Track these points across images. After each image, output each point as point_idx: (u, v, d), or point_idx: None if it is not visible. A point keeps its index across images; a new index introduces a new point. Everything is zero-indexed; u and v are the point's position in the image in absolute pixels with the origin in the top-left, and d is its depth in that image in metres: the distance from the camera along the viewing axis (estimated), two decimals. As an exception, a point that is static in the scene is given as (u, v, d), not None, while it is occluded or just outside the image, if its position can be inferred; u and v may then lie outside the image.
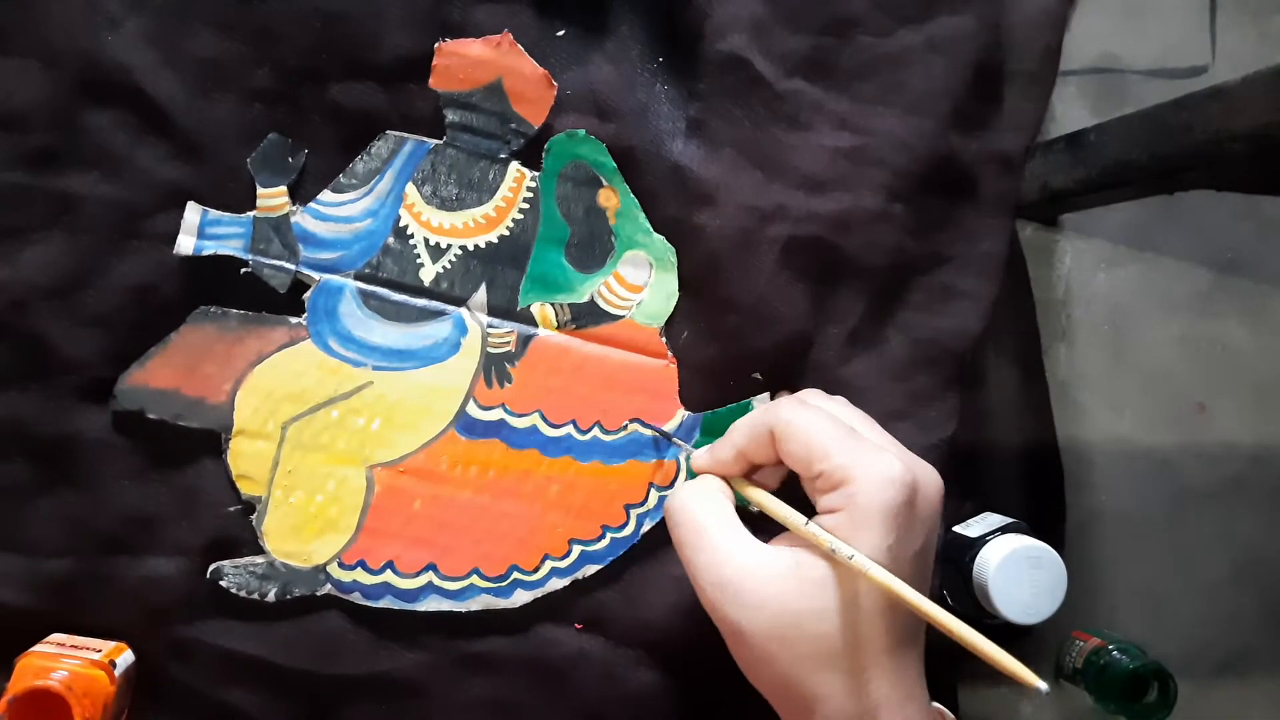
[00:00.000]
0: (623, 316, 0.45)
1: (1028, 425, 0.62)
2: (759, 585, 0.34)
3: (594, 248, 0.45)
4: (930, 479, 0.35)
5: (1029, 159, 0.52)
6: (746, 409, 0.46)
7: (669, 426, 0.46)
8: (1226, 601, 0.69)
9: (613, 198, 0.45)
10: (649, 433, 0.45)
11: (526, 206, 0.45)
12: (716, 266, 0.44)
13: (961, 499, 0.53)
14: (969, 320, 0.49)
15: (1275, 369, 0.71)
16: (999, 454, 0.60)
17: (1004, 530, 0.52)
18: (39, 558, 0.41)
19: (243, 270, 0.42)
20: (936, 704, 0.50)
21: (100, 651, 0.41)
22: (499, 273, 0.45)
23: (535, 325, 0.45)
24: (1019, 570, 0.50)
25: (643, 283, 0.45)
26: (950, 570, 0.52)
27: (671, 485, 0.46)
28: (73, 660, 0.39)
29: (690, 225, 0.44)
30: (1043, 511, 0.61)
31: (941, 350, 0.48)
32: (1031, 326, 0.64)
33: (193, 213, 0.41)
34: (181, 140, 0.41)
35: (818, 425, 0.35)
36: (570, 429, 0.45)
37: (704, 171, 0.44)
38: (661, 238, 0.45)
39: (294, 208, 0.43)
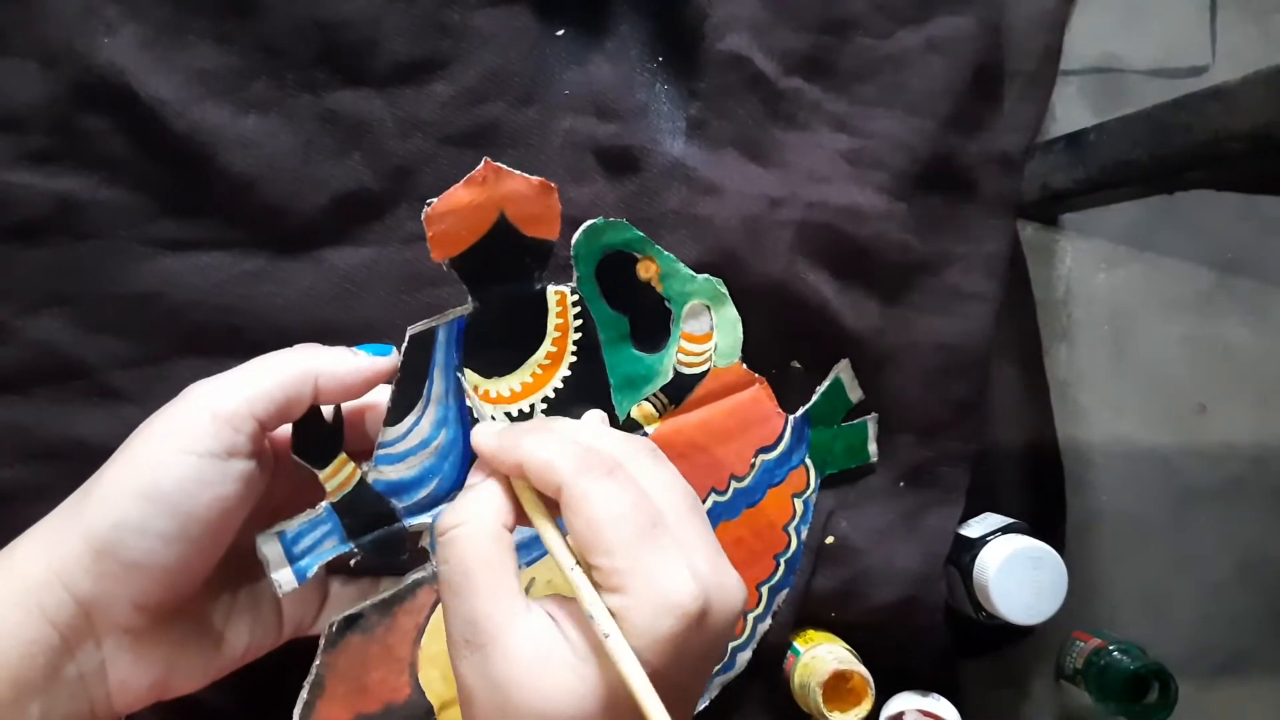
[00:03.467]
0: (707, 370, 0.44)
1: (1028, 425, 0.62)
2: (511, 658, 0.28)
3: (655, 322, 0.43)
4: (728, 600, 0.29)
5: (1029, 159, 0.52)
6: (838, 385, 0.46)
7: (784, 442, 0.46)
8: (1227, 602, 0.69)
9: (651, 267, 0.43)
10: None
11: (580, 322, 0.41)
12: (732, 254, 0.45)
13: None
14: (981, 322, 0.49)
15: (1276, 369, 0.71)
16: (999, 454, 0.60)
17: (1005, 530, 0.52)
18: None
19: (353, 562, 0.37)
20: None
21: (100, 652, 0.40)
22: (588, 401, 0.41)
23: (641, 427, 0.43)
24: (1020, 571, 0.50)
25: (708, 329, 0.44)
26: (951, 570, 0.52)
27: (807, 488, 0.46)
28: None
29: (695, 216, 0.44)
30: (1043, 512, 0.61)
31: (962, 354, 0.49)
32: (1032, 326, 0.64)
33: (270, 547, 0.35)
34: (180, 148, 0.41)
35: (607, 516, 0.28)
36: (713, 497, 0.44)
37: (706, 169, 0.44)
38: (705, 276, 0.44)
39: (365, 468, 0.37)
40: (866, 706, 0.46)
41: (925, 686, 0.52)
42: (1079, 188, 0.61)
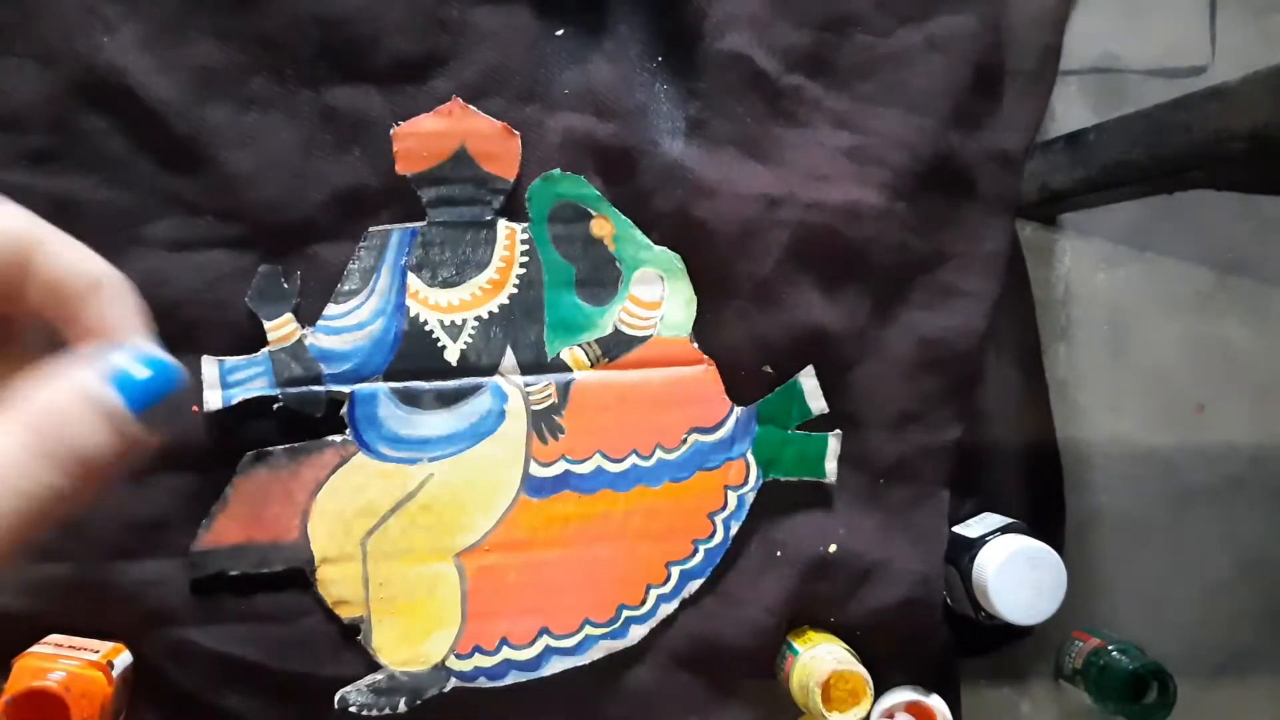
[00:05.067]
0: (650, 335, 0.45)
1: (1027, 425, 0.62)
2: None
3: (602, 278, 0.45)
4: None
5: (1029, 158, 0.52)
6: (796, 389, 0.47)
7: (724, 429, 0.46)
8: (1226, 602, 0.69)
9: (605, 225, 0.45)
10: None
11: (526, 259, 0.44)
12: (722, 254, 0.45)
13: (961, 499, 0.53)
14: (973, 319, 0.49)
15: (1275, 369, 0.71)
16: (999, 454, 0.60)
17: (1004, 531, 0.52)
18: (38, 562, 0.41)
19: (275, 406, 0.42)
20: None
21: (98, 652, 0.40)
22: (520, 332, 0.44)
23: (570, 370, 0.45)
24: (1019, 571, 0.50)
25: (659, 297, 0.45)
26: (950, 570, 0.52)
27: (744, 484, 0.47)
28: (70, 661, 0.39)
29: (692, 218, 0.44)
30: (1042, 512, 0.61)
31: (948, 350, 0.49)
32: (1031, 326, 0.64)
33: (210, 366, 0.41)
34: (182, 147, 0.41)
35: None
36: (634, 459, 0.45)
37: (705, 169, 0.44)
38: (663, 248, 0.45)
39: (304, 331, 0.43)
40: (865, 707, 0.46)
41: (925, 686, 0.52)
42: (1079, 187, 0.61)
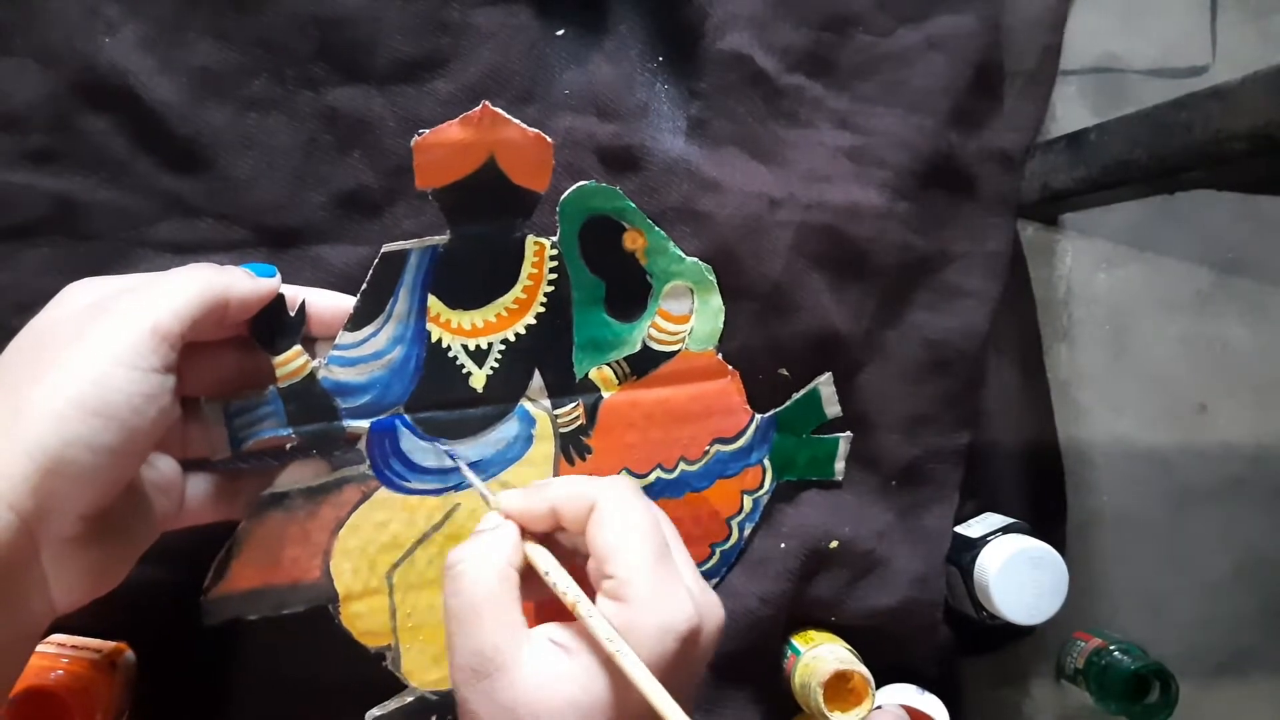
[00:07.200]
0: (678, 351, 0.44)
1: (1028, 425, 0.62)
2: (520, 683, 0.29)
3: (632, 293, 0.44)
4: (713, 619, 0.32)
5: (1029, 158, 0.52)
6: (814, 396, 0.47)
7: (744, 438, 0.46)
8: (1227, 602, 0.69)
9: (638, 239, 0.43)
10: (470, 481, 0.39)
11: (554, 276, 0.42)
12: (730, 253, 0.45)
13: (963, 499, 0.53)
14: (976, 320, 0.49)
15: (1276, 369, 0.71)
16: (1000, 454, 0.60)
17: (1005, 531, 0.52)
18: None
19: (289, 446, 0.39)
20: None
21: (100, 652, 0.40)
22: (548, 353, 0.43)
23: (598, 390, 0.44)
24: (1020, 571, 0.50)
25: (687, 311, 0.44)
26: (952, 570, 0.52)
27: (759, 488, 0.46)
28: (72, 660, 0.39)
29: (696, 212, 0.44)
30: (1044, 512, 0.61)
31: (954, 352, 0.49)
32: (1032, 326, 0.64)
33: (213, 409, 0.38)
34: (179, 148, 0.41)
35: (636, 528, 0.31)
36: (658, 473, 0.45)
37: (707, 168, 0.44)
38: (694, 260, 0.44)
39: (316, 363, 0.40)
40: (867, 706, 0.46)
41: (925, 686, 0.52)
42: (1079, 187, 0.61)
